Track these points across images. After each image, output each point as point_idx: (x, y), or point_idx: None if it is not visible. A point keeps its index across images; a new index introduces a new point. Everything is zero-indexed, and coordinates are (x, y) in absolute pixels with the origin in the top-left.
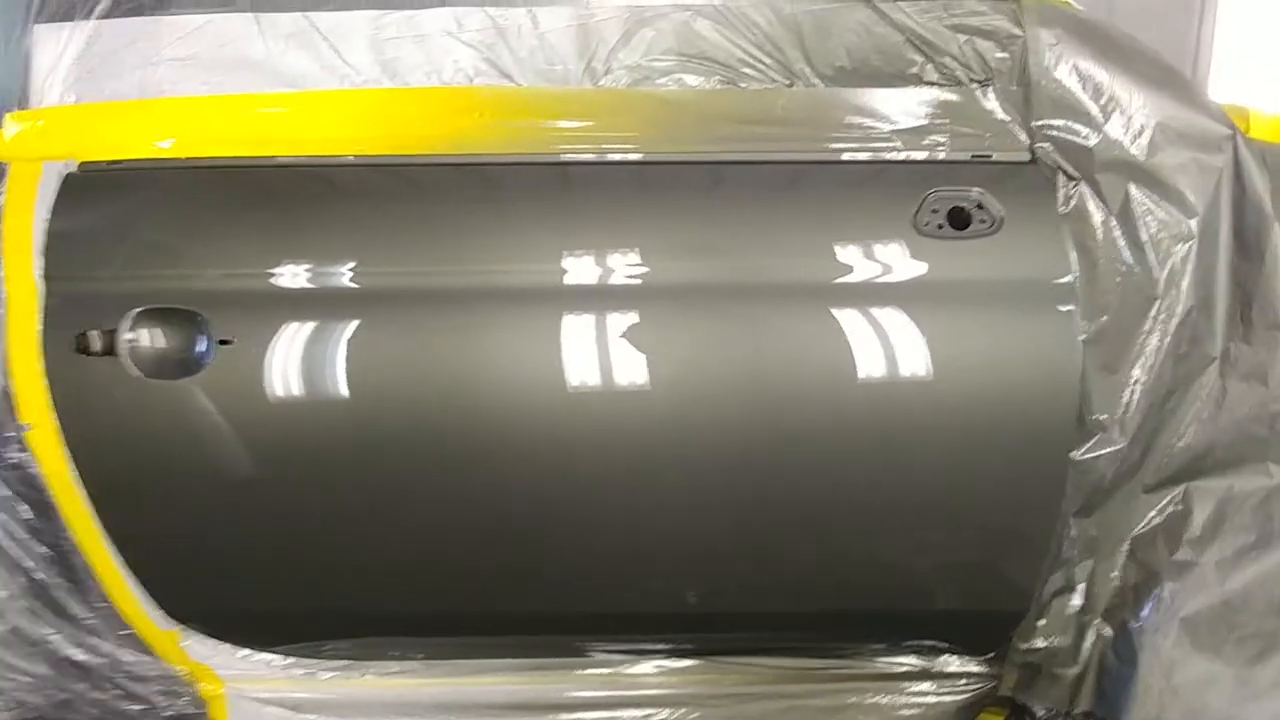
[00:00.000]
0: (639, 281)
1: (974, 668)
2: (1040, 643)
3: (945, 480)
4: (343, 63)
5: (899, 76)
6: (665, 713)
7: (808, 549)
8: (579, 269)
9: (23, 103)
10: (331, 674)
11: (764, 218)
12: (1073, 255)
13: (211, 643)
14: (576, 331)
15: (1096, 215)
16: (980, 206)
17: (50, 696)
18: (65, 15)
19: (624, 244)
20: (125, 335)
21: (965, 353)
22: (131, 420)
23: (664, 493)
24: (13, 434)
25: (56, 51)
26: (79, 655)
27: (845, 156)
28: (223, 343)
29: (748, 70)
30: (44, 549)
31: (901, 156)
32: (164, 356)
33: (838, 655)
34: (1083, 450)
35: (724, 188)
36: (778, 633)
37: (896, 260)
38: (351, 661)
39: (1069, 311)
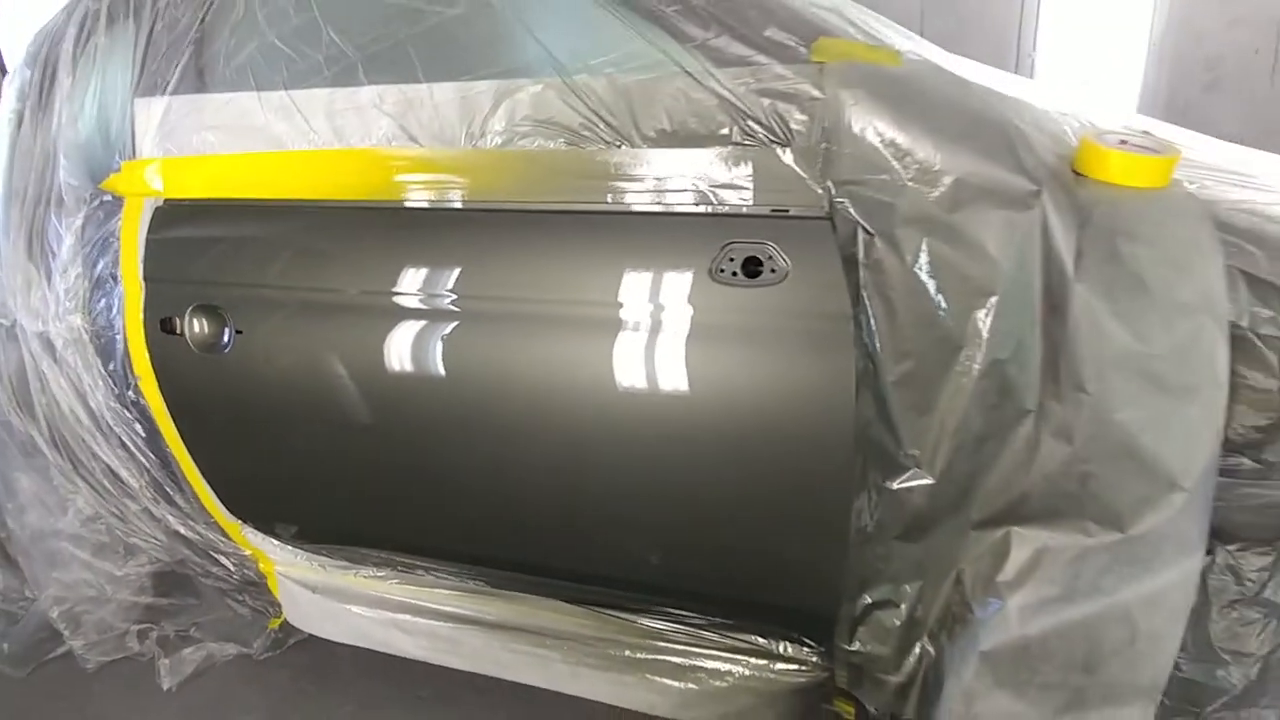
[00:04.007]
0: (500, 305)
1: (807, 656)
2: (860, 646)
3: (746, 493)
4: (309, 129)
5: (711, 137)
6: (561, 643)
7: (665, 544)
8: (456, 289)
9: (135, 154)
10: (337, 568)
11: (591, 259)
12: (847, 305)
13: (260, 536)
14: (448, 336)
15: (896, 267)
16: (771, 258)
17: (173, 554)
18: (150, 91)
19: (484, 273)
20: (186, 323)
21: (751, 388)
22: (193, 379)
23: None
24: (133, 381)
25: (148, 118)
26: (184, 531)
27: (660, 209)
28: (238, 332)
29: (587, 133)
30: (155, 457)
31: (710, 210)
32: (207, 339)
33: (700, 626)
34: (897, 481)
35: (565, 231)
36: (650, 596)
37: (693, 303)
38: (350, 563)
39: (844, 354)
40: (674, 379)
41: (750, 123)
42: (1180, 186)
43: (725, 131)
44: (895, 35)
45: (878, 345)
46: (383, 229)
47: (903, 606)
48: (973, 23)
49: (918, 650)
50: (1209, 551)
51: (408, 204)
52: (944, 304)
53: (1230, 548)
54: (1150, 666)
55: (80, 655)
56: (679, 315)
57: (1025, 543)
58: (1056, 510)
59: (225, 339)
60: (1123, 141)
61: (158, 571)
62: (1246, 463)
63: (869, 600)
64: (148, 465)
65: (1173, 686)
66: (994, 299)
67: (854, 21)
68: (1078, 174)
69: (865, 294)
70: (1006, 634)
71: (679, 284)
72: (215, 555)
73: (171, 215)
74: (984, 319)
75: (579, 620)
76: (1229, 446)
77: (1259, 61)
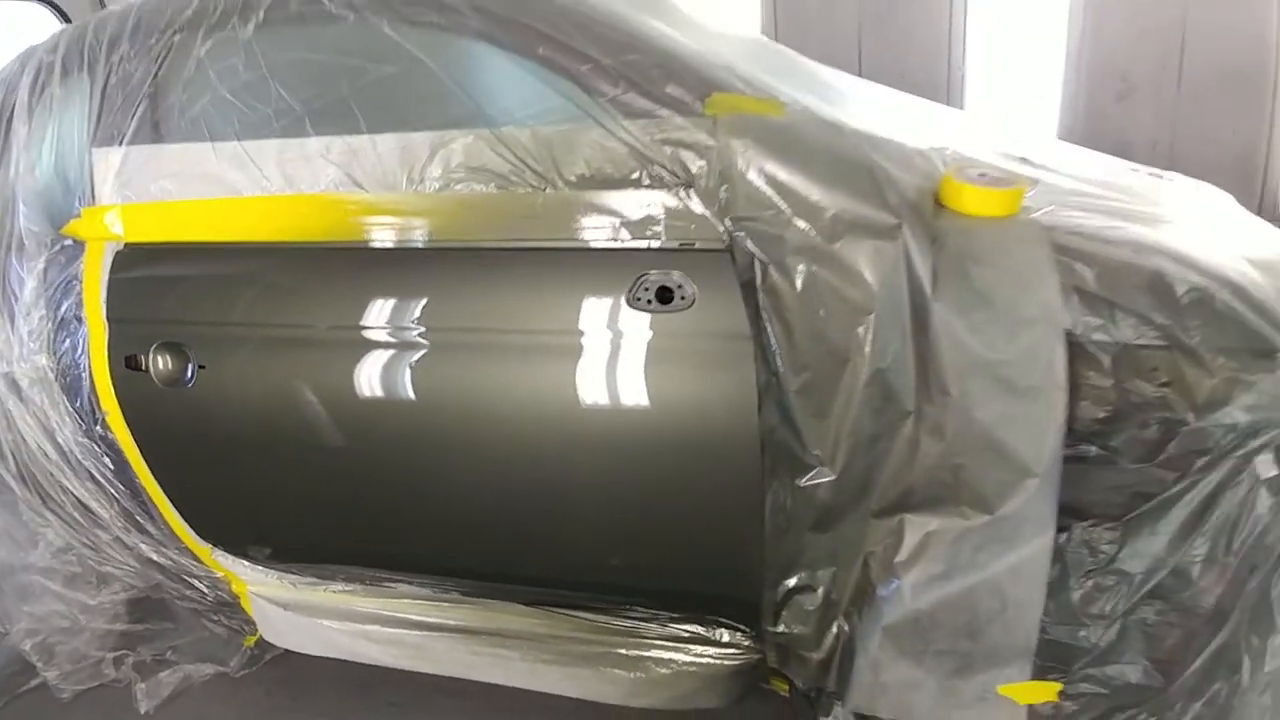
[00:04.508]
0: (438, 333)
1: (740, 641)
2: (784, 628)
3: (671, 496)
4: (262, 176)
5: (625, 181)
6: (519, 643)
7: (603, 545)
8: (402, 321)
9: (95, 200)
10: (308, 585)
11: (522, 290)
12: (747, 326)
13: (231, 558)
14: (398, 364)
15: (789, 292)
16: (680, 286)
17: (147, 580)
18: (108, 141)
19: (428, 306)
20: (150, 359)
21: (670, 402)
22: (159, 413)
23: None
24: (100, 417)
25: (106, 167)
26: (157, 557)
27: (582, 245)
28: (201, 367)
29: (515, 178)
30: (125, 488)
31: (626, 245)
32: (171, 374)
33: (643, 618)
34: (805, 479)
35: (497, 266)
36: (598, 594)
37: (615, 328)
38: (318, 579)
39: (747, 369)
40: (603, 396)
41: (656, 168)
42: (1025, 215)
43: (636, 175)
44: (802, 79)
45: (779, 360)
46: (334, 267)
47: (819, 590)
48: (907, 40)
49: (835, 629)
50: (1066, 528)
51: (354, 245)
52: (830, 322)
53: (1084, 524)
54: (1021, 630)
55: (55, 685)
56: (603, 339)
57: (916, 528)
58: (939, 498)
59: (189, 374)
60: (981, 175)
61: (132, 599)
62: (1094, 450)
63: (789, 586)
64: (117, 496)
65: (1044, 648)
66: (871, 316)
67: (743, 77)
68: (940, 205)
69: (764, 315)
70: (903, 609)
71: (602, 312)
72: (188, 579)
73: (133, 258)
74: (864, 334)
75: (535, 621)
76: (1077, 437)
77: (1166, 72)
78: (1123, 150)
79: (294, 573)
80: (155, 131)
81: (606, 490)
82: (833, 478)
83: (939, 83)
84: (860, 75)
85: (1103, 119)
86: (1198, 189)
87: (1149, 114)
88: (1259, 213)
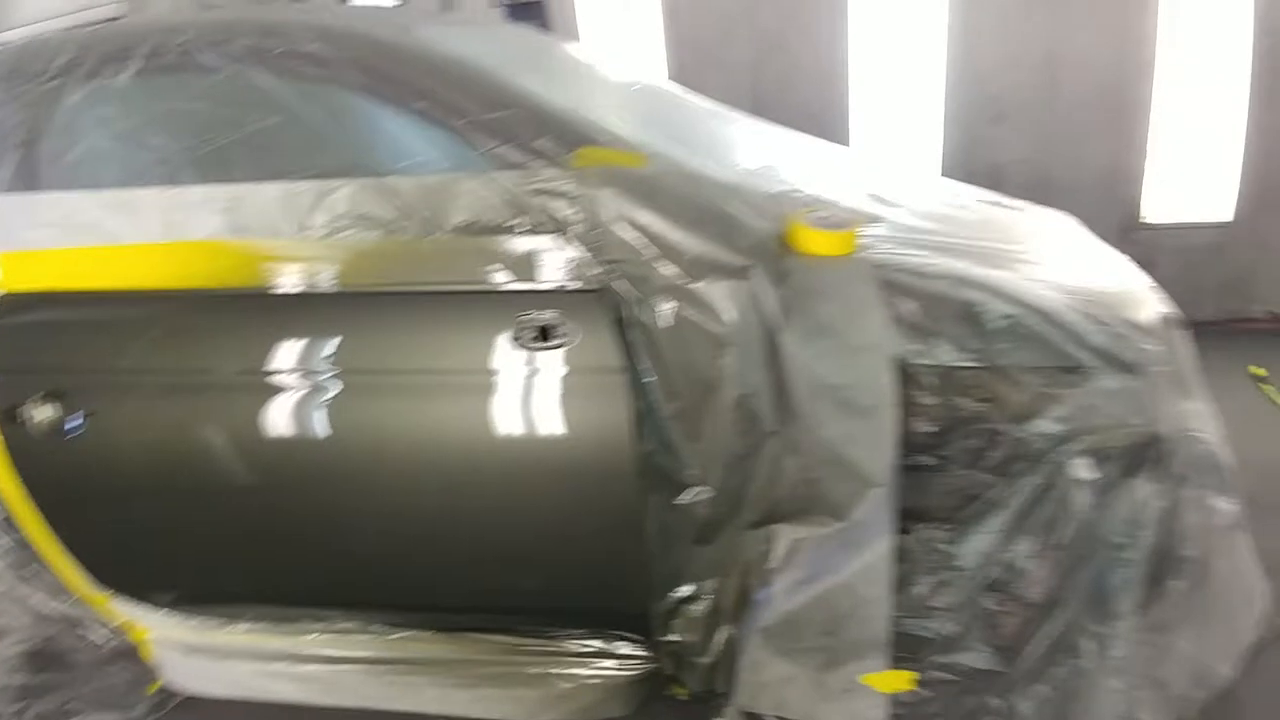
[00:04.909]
0: (330, 374)
1: (639, 651)
2: (675, 637)
3: (564, 518)
4: (143, 224)
5: (502, 228)
6: (428, 670)
7: (501, 570)
8: (291, 364)
9: None
10: (210, 627)
11: (411, 332)
12: (622, 360)
13: (128, 605)
14: (291, 406)
15: (658, 328)
16: (559, 325)
17: (42, 632)
18: None
19: (318, 348)
20: (31, 411)
21: (553, 431)
22: (48, 462)
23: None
24: None
25: None
26: (50, 609)
27: (467, 287)
28: (89, 414)
29: (399, 226)
30: (11, 540)
31: (507, 288)
32: (57, 422)
33: (545, 637)
34: (685, 497)
35: (385, 309)
36: (500, 617)
37: (500, 366)
38: (223, 620)
39: (623, 399)
40: (492, 430)
41: (530, 215)
42: (859, 254)
43: (513, 223)
44: (684, 125)
45: (654, 390)
46: (222, 313)
47: (705, 599)
48: (798, 72)
49: (721, 635)
50: (908, 530)
51: (241, 291)
52: (696, 353)
53: (923, 526)
54: (874, 625)
55: None
56: (489, 377)
57: (783, 537)
58: (801, 509)
59: (76, 422)
60: (822, 218)
61: (31, 650)
62: (928, 460)
63: (678, 597)
64: (6, 548)
65: (898, 640)
66: (732, 348)
67: (610, 130)
68: (786, 246)
69: (638, 349)
70: (775, 611)
71: (486, 351)
72: (84, 629)
73: (13, 306)
74: (727, 364)
75: (442, 648)
76: (912, 449)
77: (1036, 95)
78: (995, 172)
79: (199, 615)
80: (31, 179)
81: (502, 518)
82: (709, 495)
83: (831, 112)
84: (758, 107)
85: (978, 142)
86: (1045, 216)
87: (1021, 136)
88: (1120, 231)
